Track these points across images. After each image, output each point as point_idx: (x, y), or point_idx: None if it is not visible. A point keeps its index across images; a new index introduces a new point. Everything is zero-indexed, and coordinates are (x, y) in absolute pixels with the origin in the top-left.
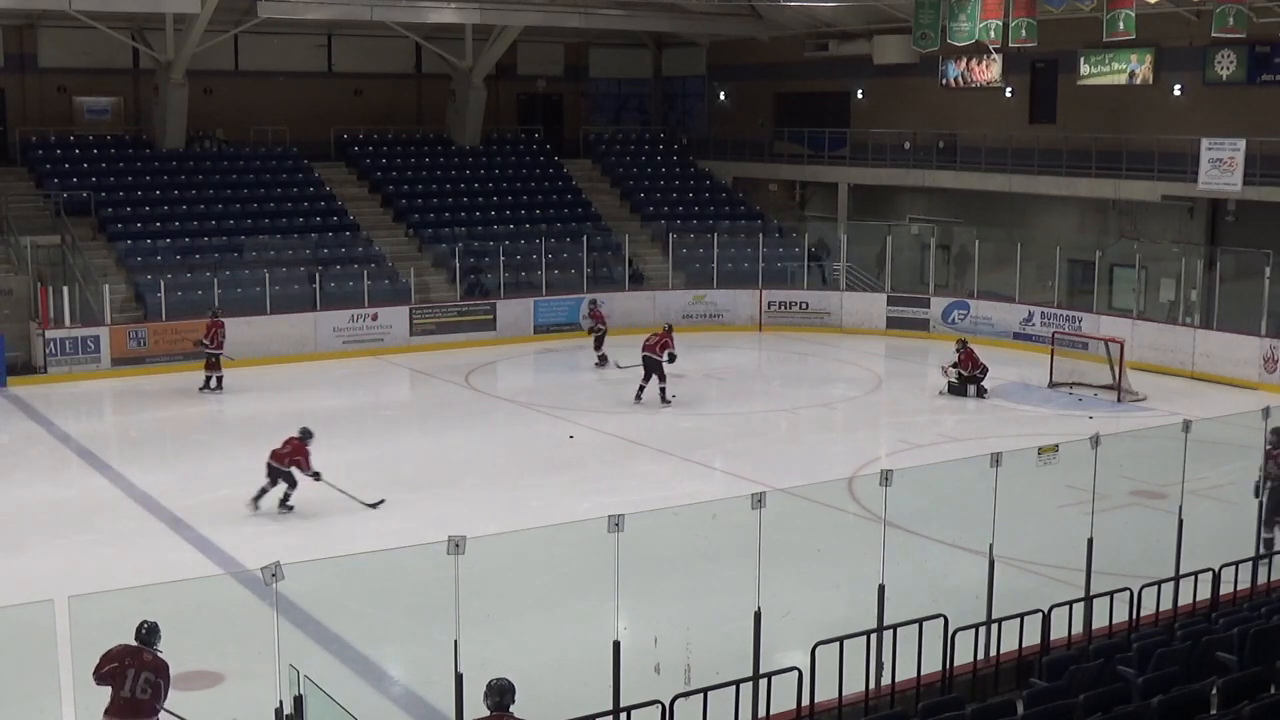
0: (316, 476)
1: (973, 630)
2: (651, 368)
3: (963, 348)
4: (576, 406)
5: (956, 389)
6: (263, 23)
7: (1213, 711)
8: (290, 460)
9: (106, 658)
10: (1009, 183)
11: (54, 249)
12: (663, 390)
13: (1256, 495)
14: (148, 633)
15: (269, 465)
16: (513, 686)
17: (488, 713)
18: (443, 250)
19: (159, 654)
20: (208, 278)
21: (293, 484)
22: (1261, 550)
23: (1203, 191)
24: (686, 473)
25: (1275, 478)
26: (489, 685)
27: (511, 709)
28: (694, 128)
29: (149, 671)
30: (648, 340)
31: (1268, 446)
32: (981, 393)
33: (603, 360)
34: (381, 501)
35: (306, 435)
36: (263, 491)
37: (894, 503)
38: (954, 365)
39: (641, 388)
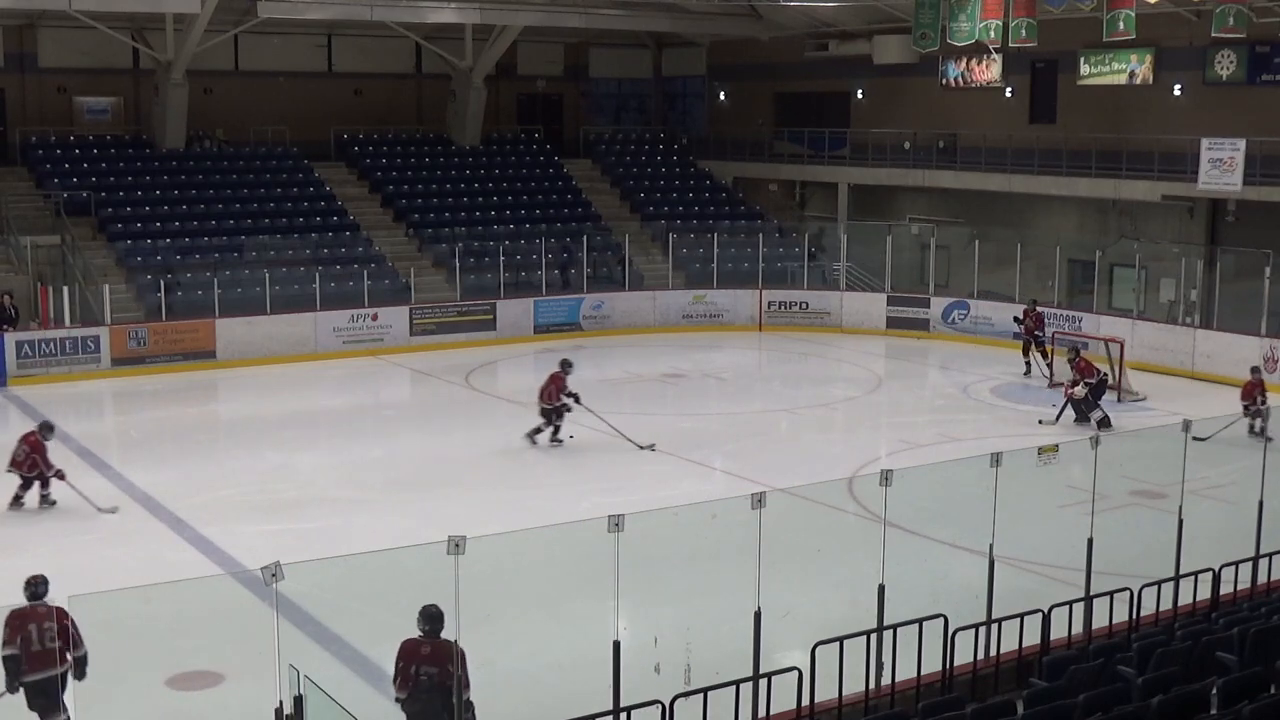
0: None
1: (973, 630)
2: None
3: (1076, 355)
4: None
5: (1090, 408)
6: (263, 23)
7: (1213, 711)
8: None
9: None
10: (1009, 183)
11: (54, 249)
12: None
13: None
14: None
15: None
16: (442, 614)
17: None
18: (443, 250)
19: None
20: (208, 278)
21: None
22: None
23: (1203, 191)
24: (686, 473)
25: None
26: (422, 611)
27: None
28: (694, 128)
29: (48, 622)
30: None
31: None
32: (1105, 424)
33: None
34: None
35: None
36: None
37: (894, 503)
38: (1077, 382)
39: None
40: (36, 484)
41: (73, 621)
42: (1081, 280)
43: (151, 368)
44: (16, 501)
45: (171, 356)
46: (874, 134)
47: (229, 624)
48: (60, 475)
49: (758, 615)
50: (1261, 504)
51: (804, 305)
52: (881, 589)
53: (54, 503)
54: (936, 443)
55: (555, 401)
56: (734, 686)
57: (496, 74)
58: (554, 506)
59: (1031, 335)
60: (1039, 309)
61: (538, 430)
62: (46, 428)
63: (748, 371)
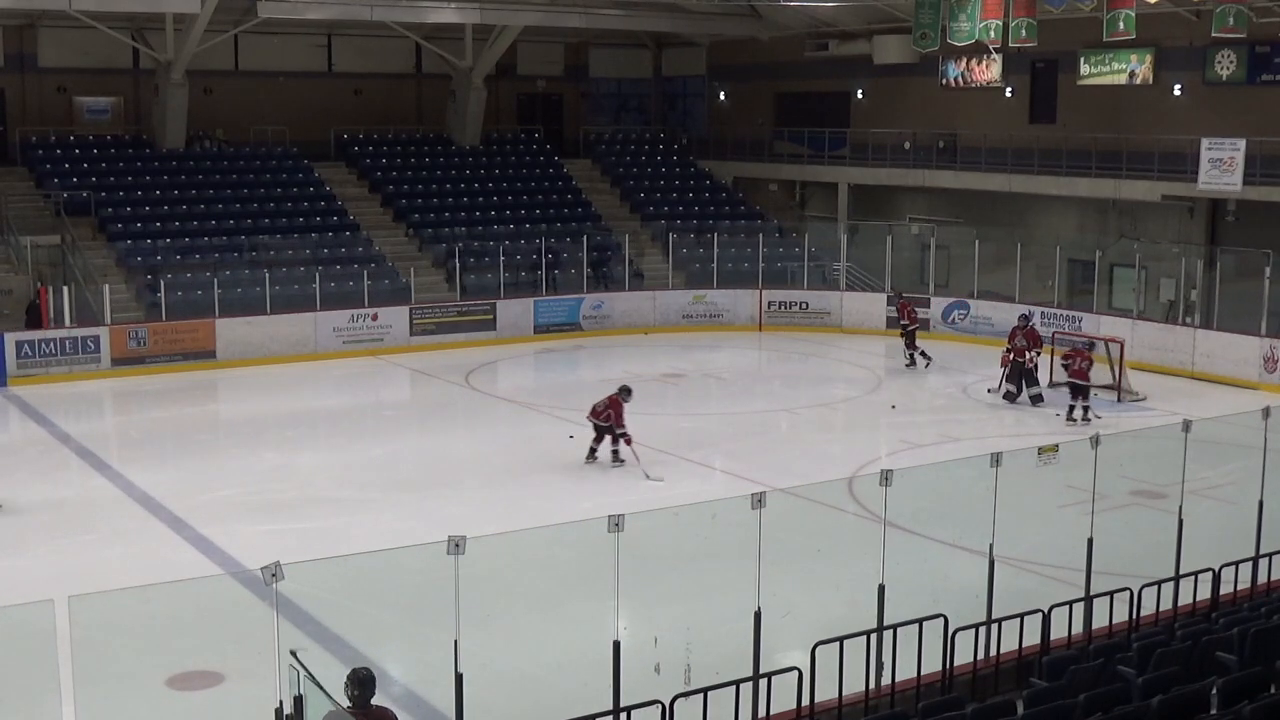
0: None
1: (973, 630)
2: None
3: (1026, 323)
4: (576, 406)
5: (1031, 382)
6: (263, 23)
7: (1213, 711)
8: None
9: None
10: (1009, 183)
11: (54, 249)
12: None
13: None
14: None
15: None
16: (374, 678)
17: (348, 703)
18: (443, 250)
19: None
20: (208, 278)
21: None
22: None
23: (1203, 191)
24: (686, 473)
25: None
26: (350, 675)
27: (374, 701)
28: (694, 128)
29: None
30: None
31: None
32: (1037, 400)
33: None
34: None
35: None
36: None
37: (894, 503)
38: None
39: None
40: (608, 438)
41: None
42: (1081, 280)
43: (151, 368)
44: (591, 454)
45: (171, 356)
46: (874, 134)
47: (229, 624)
48: (628, 439)
49: (758, 615)
50: (1261, 504)
51: (804, 305)
52: (881, 589)
53: (622, 462)
54: (936, 443)
55: (1086, 380)
56: (734, 686)
57: (496, 74)
58: (554, 506)
59: (902, 326)
60: (905, 296)
61: (1073, 409)
62: (626, 390)
63: (748, 371)
